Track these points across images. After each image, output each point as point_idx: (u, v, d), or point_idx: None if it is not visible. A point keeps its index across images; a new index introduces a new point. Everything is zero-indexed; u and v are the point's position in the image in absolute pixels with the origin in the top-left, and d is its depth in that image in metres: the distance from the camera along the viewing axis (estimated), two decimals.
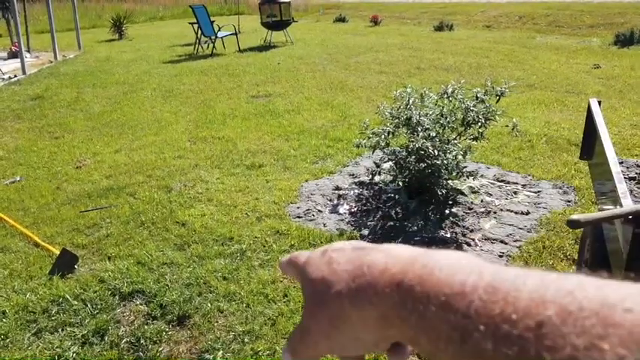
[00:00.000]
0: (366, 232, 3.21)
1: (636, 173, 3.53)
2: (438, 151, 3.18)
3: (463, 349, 0.23)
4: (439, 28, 13.10)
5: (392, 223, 3.29)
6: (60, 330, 2.38)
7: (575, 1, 15.53)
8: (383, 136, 3.36)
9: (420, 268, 0.27)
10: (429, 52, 9.73)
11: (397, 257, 0.30)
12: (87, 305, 2.53)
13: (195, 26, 10.44)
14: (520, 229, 3.17)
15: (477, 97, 3.38)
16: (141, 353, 2.24)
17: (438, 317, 0.25)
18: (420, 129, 3.25)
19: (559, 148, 4.49)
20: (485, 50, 9.78)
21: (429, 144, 3.14)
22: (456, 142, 3.34)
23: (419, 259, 0.28)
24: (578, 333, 0.19)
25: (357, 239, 3.09)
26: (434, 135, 3.24)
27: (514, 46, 10.28)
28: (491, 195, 3.62)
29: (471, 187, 3.66)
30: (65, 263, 2.85)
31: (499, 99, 3.43)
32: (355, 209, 3.50)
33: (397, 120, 3.36)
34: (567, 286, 0.22)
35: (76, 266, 2.87)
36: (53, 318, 2.46)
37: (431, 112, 3.36)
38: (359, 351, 0.32)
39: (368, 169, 3.93)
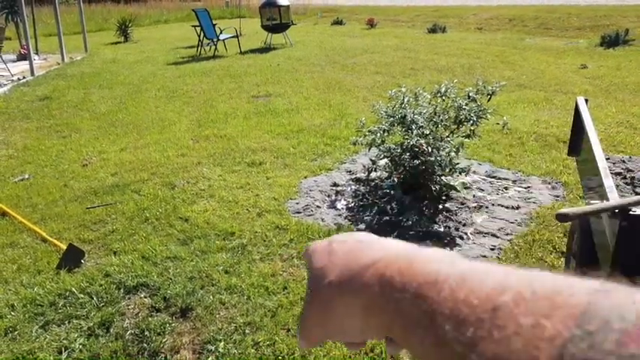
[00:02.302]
0: (362, 226, 3.19)
1: (622, 169, 3.51)
2: (432, 148, 3.16)
3: (428, 333, 0.24)
4: (432, 31, 13.05)
5: (387, 217, 3.27)
6: (66, 322, 2.36)
7: (562, 4, 15.50)
8: (379, 134, 3.33)
9: (402, 261, 0.28)
10: (422, 54, 9.70)
11: (386, 252, 0.31)
12: (93, 298, 2.51)
13: (198, 29, 10.39)
14: (511, 223, 3.15)
15: (468, 96, 3.36)
16: (145, 344, 2.22)
17: (411, 304, 0.26)
18: (414, 127, 3.23)
19: (548, 145, 4.48)
20: (477, 51, 9.76)
21: (423, 141, 3.12)
22: (448, 139, 3.32)
23: (404, 254, 0.29)
24: (526, 314, 0.20)
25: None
26: (427, 133, 3.22)
27: (504, 47, 10.26)
28: (483, 190, 3.60)
29: (463, 182, 3.64)
30: (72, 258, 2.83)
31: (490, 98, 3.40)
32: (352, 204, 3.48)
33: (392, 118, 3.33)
34: (527, 276, 0.23)
35: (82, 261, 2.85)
36: (60, 311, 2.43)
37: (425, 111, 3.34)
38: (349, 338, 0.33)
39: (364, 166, 3.91)
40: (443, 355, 0.23)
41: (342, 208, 3.43)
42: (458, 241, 2.98)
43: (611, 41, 9.67)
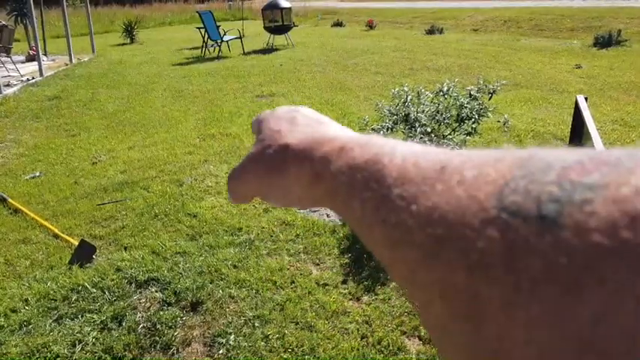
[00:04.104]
0: None
1: None
2: (435, 145, 3.13)
3: (373, 194, 0.23)
4: (430, 32, 13.01)
5: None
6: (80, 316, 2.33)
7: (556, 6, 15.46)
8: (382, 132, 3.30)
9: (362, 138, 0.28)
10: (421, 54, 9.65)
11: (348, 133, 0.30)
12: (105, 293, 2.49)
13: (202, 31, 10.34)
14: None
15: (470, 95, 3.33)
16: (157, 338, 2.19)
17: (363, 169, 0.25)
18: (417, 125, 3.20)
19: (545, 143, 4.45)
20: (474, 52, 9.72)
21: (426, 139, 3.09)
22: (450, 137, 3.29)
23: (366, 137, 0.29)
24: (472, 168, 0.20)
25: None
26: (430, 130, 3.19)
27: (500, 48, 10.22)
28: None
29: None
30: (84, 253, 2.80)
31: (491, 96, 3.38)
32: None
33: (395, 116, 3.31)
34: (476, 149, 0.23)
35: (94, 256, 2.82)
36: (73, 305, 2.41)
37: (427, 109, 3.31)
38: (282, 202, 0.32)
39: None
40: (381, 214, 0.22)
41: None
42: None
43: (604, 42, 9.63)
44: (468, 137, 3.38)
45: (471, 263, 0.17)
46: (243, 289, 2.49)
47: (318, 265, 2.70)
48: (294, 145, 0.30)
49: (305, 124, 0.32)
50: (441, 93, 3.34)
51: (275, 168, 0.30)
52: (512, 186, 0.18)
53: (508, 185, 0.18)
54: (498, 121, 3.60)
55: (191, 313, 2.35)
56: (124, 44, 13.26)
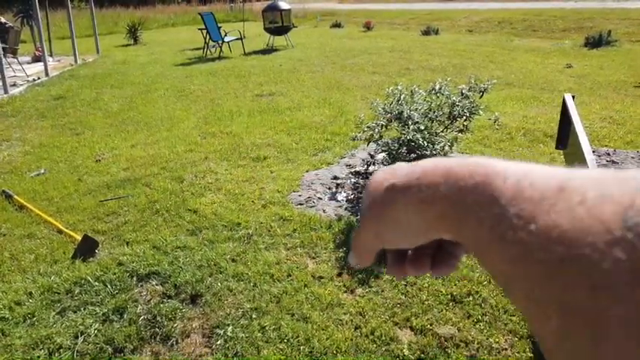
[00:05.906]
0: None
1: (607, 161, 3.50)
2: (427, 142, 3.13)
3: (487, 214, 0.23)
4: (426, 33, 12.98)
5: None
6: (82, 309, 2.34)
7: (549, 8, 15.43)
8: (377, 130, 3.30)
9: (471, 162, 0.27)
10: (417, 54, 9.64)
11: (450, 160, 0.29)
12: (107, 286, 2.49)
13: (204, 32, 10.31)
14: None
15: (462, 93, 3.33)
16: (157, 329, 2.20)
17: (474, 189, 0.24)
18: (410, 122, 3.20)
19: (536, 140, 4.45)
20: (468, 52, 9.70)
21: (419, 136, 3.10)
22: (443, 134, 3.29)
23: (472, 159, 0.28)
24: (591, 187, 0.20)
25: (353, 224, 3.05)
26: (423, 128, 3.19)
27: (494, 48, 10.20)
28: None
29: None
30: (86, 248, 2.81)
31: (482, 95, 3.37)
32: (352, 196, 3.45)
33: (390, 114, 3.30)
34: (595, 170, 0.22)
35: (96, 251, 2.83)
36: (76, 298, 2.42)
37: (420, 107, 3.31)
38: (399, 236, 0.31)
39: (363, 160, 3.88)
40: (499, 231, 0.22)
41: (342, 200, 3.41)
42: None
43: (595, 42, 9.62)
44: (460, 134, 3.38)
45: (595, 282, 0.17)
46: (241, 282, 2.50)
47: (314, 258, 2.71)
48: (397, 183, 0.30)
49: (405, 166, 0.32)
50: (434, 91, 3.33)
51: (385, 204, 0.30)
52: (637, 207, 0.17)
53: (633, 207, 0.18)
54: (489, 119, 3.60)
55: (190, 306, 2.36)
56: (127, 45, 13.23)
